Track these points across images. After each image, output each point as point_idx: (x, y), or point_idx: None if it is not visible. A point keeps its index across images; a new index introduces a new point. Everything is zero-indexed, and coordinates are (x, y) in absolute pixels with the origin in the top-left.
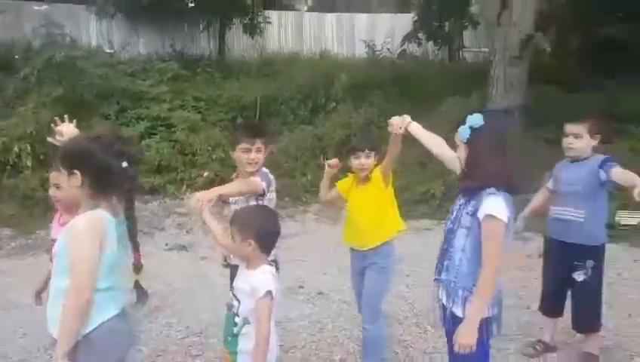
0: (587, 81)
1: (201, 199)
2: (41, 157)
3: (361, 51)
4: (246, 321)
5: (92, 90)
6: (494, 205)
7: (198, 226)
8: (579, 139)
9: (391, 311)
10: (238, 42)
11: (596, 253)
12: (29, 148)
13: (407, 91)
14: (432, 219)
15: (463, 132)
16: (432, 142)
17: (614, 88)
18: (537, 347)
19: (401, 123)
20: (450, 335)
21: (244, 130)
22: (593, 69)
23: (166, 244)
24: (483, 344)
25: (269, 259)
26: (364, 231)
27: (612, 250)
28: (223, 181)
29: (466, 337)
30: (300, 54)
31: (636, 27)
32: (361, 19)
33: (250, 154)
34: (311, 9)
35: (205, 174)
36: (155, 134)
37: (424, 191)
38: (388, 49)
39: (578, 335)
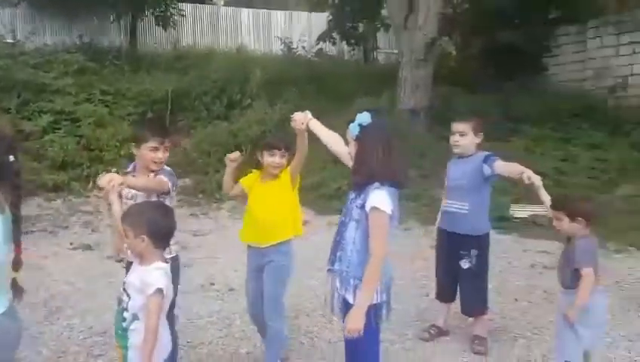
0: (488, 83)
1: (114, 180)
2: None
3: (277, 48)
4: (135, 317)
5: None
6: (379, 198)
7: (104, 225)
8: (464, 136)
9: (300, 304)
10: (151, 35)
11: (480, 243)
12: None
13: (322, 89)
14: None
15: (353, 129)
16: (331, 139)
17: (513, 90)
18: (432, 331)
19: (303, 118)
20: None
21: (152, 127)
22: (494, 71)
23: (71, 243)
24: (373, 329)
25: (170, 256)
26: (265, 228)
27: (504, 241)
28: None
29: (354, 322)
30: (215, 49)
31: (532, 33)
32: (278, 15)
33: (157, 153)
34: (227, 4)
35: (113, 170)
36: (59, 129)
37: (337, 188)
38: (303, 47)
39: (469, 319)
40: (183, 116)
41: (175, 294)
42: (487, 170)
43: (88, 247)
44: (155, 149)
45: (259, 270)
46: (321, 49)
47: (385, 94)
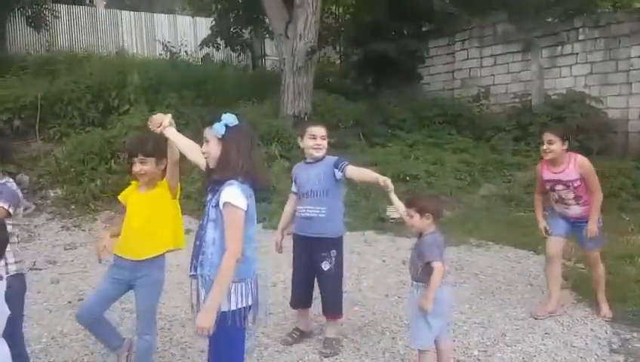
0: (368, 91)
1: None
2: None
3: (162, 52)
4: None
5: None
6: (231, 194)
7: None
8: (325, 140)
9: (176, 314)
10: (23, 37)
11: (338, 244)
12: None
13: (206, 95)
14: None
15: (219, 128)
16: (188, 148)
17: (390, 98)
18: (294, 335)
19: (158, 122)
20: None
21: None
22: (374, 80)
23: None
24: (236, 333)
25: (9, 275)
26: (139, 240)
27: (381, 241)
28: None
29: (203, 320)
30: (94, 52)
31: (406, 45)
32: (162, 19)
33: None
34: (109, 5)
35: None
36: None
37: None
38: (185, 52)
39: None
40: (54, 123)
41: (21, 314)
42: (338, 174)
43: None
44: None
45: (123, 283)
46: (207, 54)
47: (269, 100)
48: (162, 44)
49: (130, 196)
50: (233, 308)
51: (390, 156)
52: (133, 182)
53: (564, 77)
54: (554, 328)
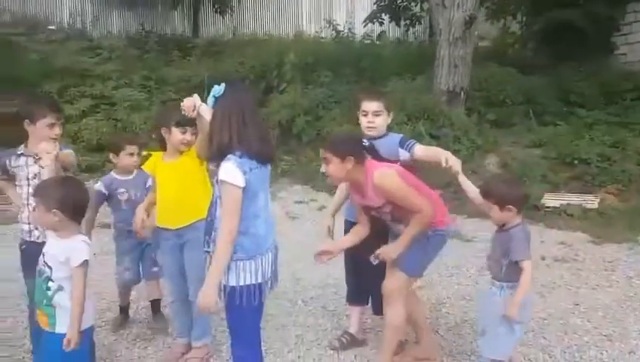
0: (549, 64)
1: None
2: None
3: (318, 31)
4: (60, 288)
5: (31, 68)
6: (226, 171)
7: None
8: (379, 116)
9: None
10: (214, 22)
11: None
12: None
13: (361, 72)
14: None
15: (209, 101)
16: None
17: (573, 72)
18: (343, 339)
19: (192, 105)
20: (226, 306)
21: None
22: (557, 52)
23: None
24: (247, 311)
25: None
26: (175, 207)
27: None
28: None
29: (203, 300)
30: (273, 35)
31: (598, 11)
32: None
33: None
34: None
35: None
36: (98, 112)
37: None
38: (349, 29)
39: None
40: None
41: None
42: (404, 154)
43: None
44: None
45: (179, 250)
46: (383, 32)
47: (424, 75)
48: (328, 22)
49: (158, 167)
50: (241, 283)
51: (560, 136)
52: (153, 154)
53: None
54: None
